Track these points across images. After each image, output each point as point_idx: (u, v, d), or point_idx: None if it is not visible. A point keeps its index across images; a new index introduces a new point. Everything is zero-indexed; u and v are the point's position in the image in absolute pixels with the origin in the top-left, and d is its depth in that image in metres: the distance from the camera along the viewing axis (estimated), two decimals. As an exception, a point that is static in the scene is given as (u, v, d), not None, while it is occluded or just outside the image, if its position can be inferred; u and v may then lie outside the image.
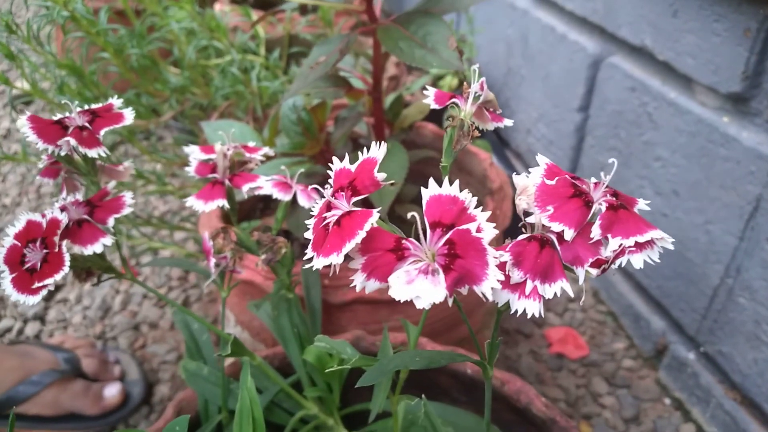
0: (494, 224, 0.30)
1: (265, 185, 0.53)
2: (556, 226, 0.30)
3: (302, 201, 0.54)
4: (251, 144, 0.57)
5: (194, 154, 0.56)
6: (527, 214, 0.31)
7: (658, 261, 0.30)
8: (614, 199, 0.31)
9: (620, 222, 0.30)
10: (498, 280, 0.29)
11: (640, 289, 1.07)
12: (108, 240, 0.46)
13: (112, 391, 0.92)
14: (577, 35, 1.14)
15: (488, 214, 0.30)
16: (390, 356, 0.37)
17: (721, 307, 0.89)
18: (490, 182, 0.88)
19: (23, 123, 0.44)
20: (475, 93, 0.44)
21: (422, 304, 0.28)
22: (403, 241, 0.30)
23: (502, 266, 0.29)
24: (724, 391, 0.91)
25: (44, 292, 0.43)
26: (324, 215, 0.32)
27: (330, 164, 0.80)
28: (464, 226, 0.29)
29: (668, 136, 0.94)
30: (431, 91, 0.45)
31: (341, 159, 0.76)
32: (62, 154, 0.45)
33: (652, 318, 1.04)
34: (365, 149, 0.34)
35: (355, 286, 0.30)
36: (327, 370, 0.42)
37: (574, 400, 1.01)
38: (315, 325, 0.63)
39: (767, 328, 0.81)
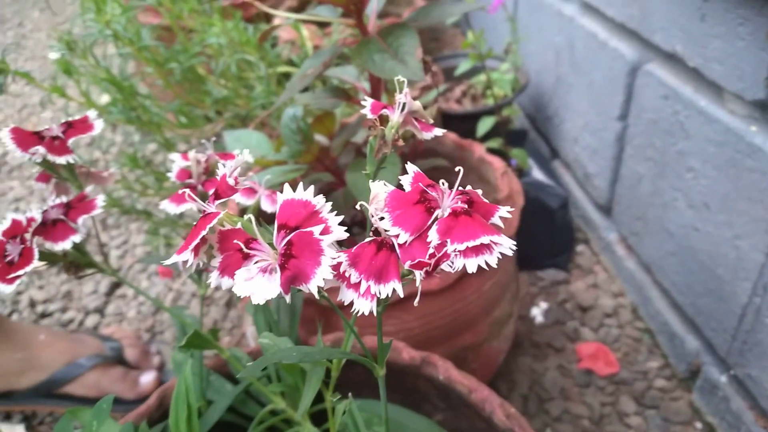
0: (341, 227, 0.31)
1: (231, 190, 0.56)
2: (394, 230, 0.31)
3: (265, 205, 0.57)
4: (242, 153, 0.61)
5: (177, 161, 0.60)
6: (381, 219, 0.32)
7: (495, 266, 0.30)
8: (465, 206, 0.32)
9: (458, 227, 0.31)
10: (348, 282, 0.31)
11: (675, 306, 1.02)
12: (77, 237, 0.51)
13: (147, 379, 1.01)
14: (617, 42, 1.11)
15: (340, 218, 0.32)
16: (273, 352, 0.39)
17: (749, 327, 0.84)
18: (499, 191, 0.87)
19: (5, 134, 0.50)
20: (402, 103, 0.45)
21: (256, 299, 0.30)
22: (252, 243, 0.32)
23: (336, 267, 0.31)
24: (755, 417, 0.85)
25: (18, 282, 0.49)
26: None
27: (328, 172, 0.82)
28: (307, 229, 0.31)
29: (699, 146, 0.90)
30: (368, 102, 0.47)
31: (343, 167, 0.79)
32: (37, 161, 0.50)
33: (686, 337, 0.99)
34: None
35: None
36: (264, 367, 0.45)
37: (599, 418, 0.98)
38: (293, 323, 0.66)
39: (790, 351, 0.75)
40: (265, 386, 0.60)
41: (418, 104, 0.46)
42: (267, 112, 0.71)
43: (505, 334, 0.90)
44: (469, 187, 0.36)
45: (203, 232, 0.31)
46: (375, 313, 0.31)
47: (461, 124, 1.39)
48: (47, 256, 0.51)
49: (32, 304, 1.30)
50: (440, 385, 0.64)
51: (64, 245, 0.51)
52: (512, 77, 1.39)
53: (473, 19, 2.17)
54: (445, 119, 1.41)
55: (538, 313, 1.17)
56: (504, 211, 0.34)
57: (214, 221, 0.31)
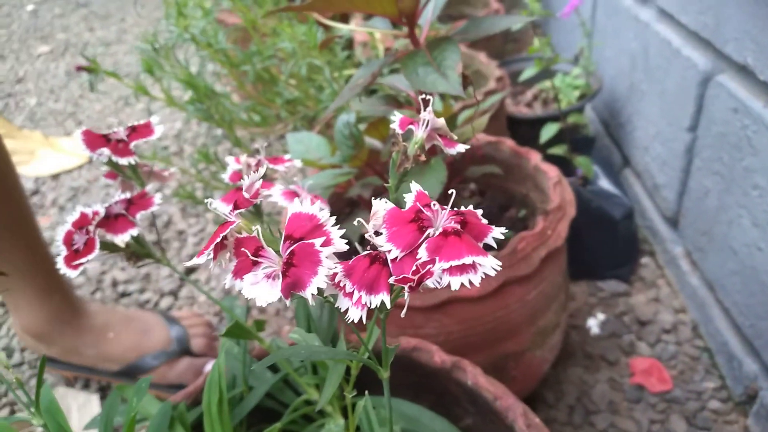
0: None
1: (275, 193, 0.60)
2: (387, 246, 0.34)
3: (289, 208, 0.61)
4: (289, 157, 0.65)
5: (230, 164, 0.65)
6: (378, 234, 0.35)
7: (477, 285, 0.32)
8: (456, 227, 0.34)
9: (446, 246, 0.33)
10: (344, 291, 0.34)
11: (736, 326, 0.98)
12: (135, 231, 0.57)
13: (210, 368, 1.07)
14: (690, 50, 1.08)
15: (341, 231, 0.35)
16: (290, 347, 0.42)
17: (809, 354, 0.80)
18: (549, 202, 0.87)
19: (78, 135, 0.56)
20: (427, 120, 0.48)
21: (259, 302, 0.33)
22: (261, 251, 0.35)
23: (332, 277, 0.34)
24: (811, 449, 0.82)
25: (81, 268, 0.55)
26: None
27: (377, 175, 0.85)
28: (310, 240, 0.34)
29: (766, 163, 0.87)
30: (398, 117, 0.50)
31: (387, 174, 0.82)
32: (103, 161, 0.56)
33: (745, 359, 0.95)
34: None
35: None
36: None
37: (646, 434, 0.96)
38: (332, 320, 0.69)
39: None
40: (301, 377, 0.64)
41: (441, 121, 0.48)
42: (324, 117, 0.75)
43: (549, 344, 0.91)
44: (468, 208, 0.38)
45: (218, 239, 0.35)
46: (356, 320, 0.33)
47: (529, 128, 1.38)
48: (108, 246, 0.57)
49: (114, 283, 1.40)
50: (469, 390, 0.66)
51: (124, 238, 0.56)
52: (583, 83, 1.37)
53: (551, 23, 2.14)
54: (513, 123, 1.41)
55: (594, 324, 1.15)
56: (497, 232, 0.36)
57: (228, 230, 0.35)
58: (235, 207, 0.38)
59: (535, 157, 0.97)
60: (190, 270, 1.42)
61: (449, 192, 0.38)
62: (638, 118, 1.33)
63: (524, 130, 1.39)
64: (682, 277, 1.16)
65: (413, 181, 0.80)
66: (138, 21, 2.81)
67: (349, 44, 1.55)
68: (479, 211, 0.37)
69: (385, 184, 0.81)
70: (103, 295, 1.38)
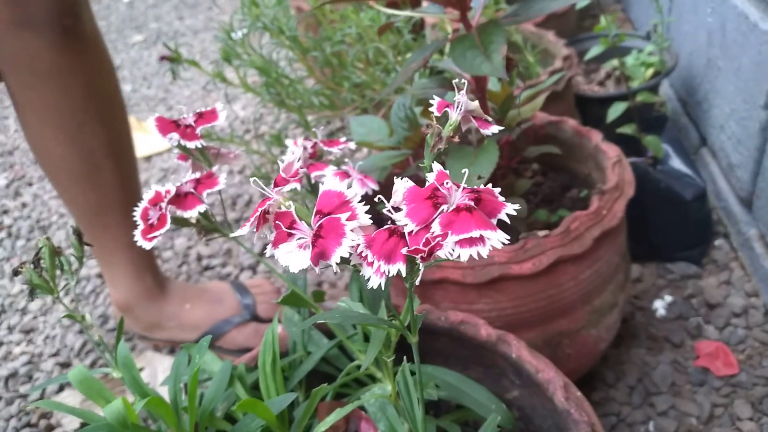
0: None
1: (327, 174, 0.65)
2: (404, 221, 0.37)
3: (355, 188, 0.65)
4: (344, 139, 0.69)
5: (290, 146, 0.70)
6: (397, 210, 0.38)
7: (485, 257, 0.35)
8: (469, 203, 0.37)
9: (458, 221, 0.36)
10: (367, 260, 0.38)
11: (808, 311, 0.95)
12: (202, 207, 0.63)
13: None
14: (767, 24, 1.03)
15: (366, 207, 0.39)
16: (326, 312, 0.46)
17: None
18: (606, 181, 0.87)
19: (151, 121, 0.62)
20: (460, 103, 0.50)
21: (292, 269, 0.38)
22: (295, 224, 0.40)
23: (355, 248, 0.38)
24: None
25: (155, 240, 0.62)
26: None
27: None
28: (337, 215, 0.38)
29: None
30: (436, 101, 0.53)
31: (446, 153, 0.85)
32: (173, 144, 0.62)
33: (817, 345, 0.92)
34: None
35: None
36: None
37: (708, 418, 0.95)
38: (384, 291, 0.74)
39: None
40: (353, 344, 0.69)
41: (475, 104, 0.51)
42: (384, 99, 0.79)
43: (606, 324, 0.91)
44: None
45: (257, 213, 0.39)
46: (376, 286, 0.37)
47: (600, 107, 1.36)
48: (179, 221, 0.64)
49: (199, 258, 1.51)
50: (513, 363, 0.69)
51: (192, 213, 0.63)
52: (657, 59, 1.33)
53: (634, -4, 2.07)
54: (582, 102, 1.39)
55: (660, 305, 1.14)
56: (510, 208, 0.38)
57: (266, 205, 0.39)
58: (276, 185, 0.43)
59: (596, 137, 0.97)
60: (266, 246, 1.51)
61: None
62: (714, 95, 1.29)
63: (593, 109, 1.37)
64: (755, 260, 1.12)
65: (468, 163, 0.83)
66: (224, 9, 2.93)
67: (420, 26, 1.57)
68: (497, 189, 0.40)
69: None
70: (189, 269, 1.49)
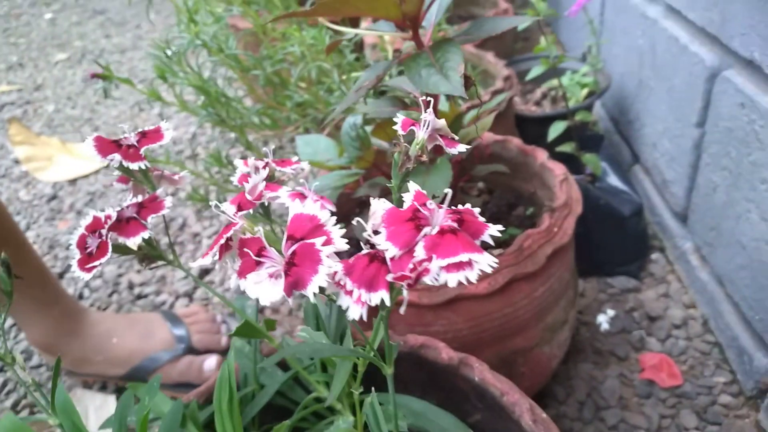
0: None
1: (282, 195, 0.62)
2: (385, 245, 0.35)
3: (292, 209, 0.62)
4: (297, 159, 0.66)
5: (239, 166, 0.67)
6: (377, 233, 0.36)
7: (474, 282, 0.33)
8: (453, 225, 0.35)
9: (443, 245, 0.34)
10: (345, 289, 0.35)
11: (746, 321, 0.98)
12: (146, 234, 0.58)
13: (209, 365, 1.10)
14: (697, 47, 1.08)
15: (342, 231, 0.36)
16: (294, 345, 0.43)
17: (818, 348, 0.81)
18: (555, 199, 0.88)
19: (89, 142, 0.58)
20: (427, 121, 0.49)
21: (263, 301, 0.35)
22: (264, 251, 0.37)
23: (332, 276, 0.35)
24: (822, 443, 0.82)
25: (95, 271, 0.57)
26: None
27: (384, 176, 0.86)
28: (310, 240, 0.35)
29: (773, 157, 0.87)
30: (400, 119, 0.51)
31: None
32: (115, 166, 0.58)
33: (756, 354, 0.95)
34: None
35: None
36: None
37: (657, 429, 0.96)
38: (341, 317, 0.71)
39: None
40: (311, 375, 0.66)
41: (442, 122, 0.50)
42: (329, 119, 0.77)
43: (558, 341, 0.91)
44: (467, 205, 0.39)
45: (222, 241, 0.36)
46: (357, 317, 0.35)
47: (538, 127, 1.38)
48: (121, 249, 0.59)
49: (130, 286, 1.43)
50: (476, 386, 0.67)
51: (135, 240, 0.58)
52: (592, 80, 1.37)
53: (560, 21, 2.14)
54: (521, 122, 1.41)
55: (603, 320, 1.16)
56: (494, 229, 0.37)
57: (231, 231, 0.36)
58: (239, 209, 0.39)
59: (541, 155, 0.98)
60: (206, 272, 1.45)
61: (452, 191, 0.39)
62: (647, 114, 1.34)
63: (532, 129, 1.40)
64: (691, 272, 1.16)
65: (421, 181, 0.82)
66: (153, 27, 2.85)
67: (359, 46, 1.56)
68: (477, 210, 0.38)
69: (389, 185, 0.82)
70: (120, 298, 1.41)
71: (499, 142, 1.02)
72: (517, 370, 0.88)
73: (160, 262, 0.64)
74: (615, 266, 1.25)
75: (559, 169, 0.93)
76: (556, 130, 1.20)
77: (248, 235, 0.38)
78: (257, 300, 0.36)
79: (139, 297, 1.41)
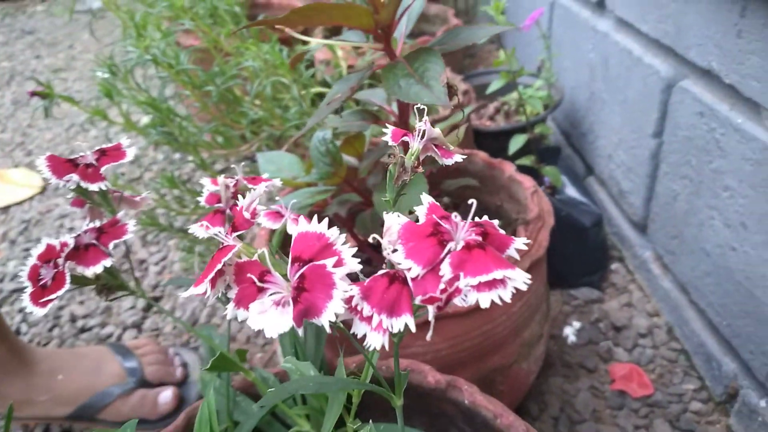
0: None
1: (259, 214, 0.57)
2: (407, 264, 0.31)
3: (291, 228, 0.58)
4: (267, 176, 0.62)
5: (207, 185, 0.62)
6: (394, 251, 0.33)
7: (509, 301, 0.30)
8: (478, 239, 0.32)
9: (471, 261, 0.31)
10: (362, 315, 0.31)
11: (712, 327, 0.99)
12: (108, 262, 0.53)
13: (165, 398, 1.03)
14: (651, 58, 1.10)
15: (353, 250, 0.33)
16: (290, 383, 0.39)
17: (790, 352, 0.81)
18: (528, 211, 0.87)
19: (42, 162, 0.52)
20: (422, 130, 0.46)
21: (270, 333, 0.31)
22: (267, 275, 0.33)
23: (348, 300, 0.31)
24: (797, 445, 0.82)
25: (50, 305, 0.51)
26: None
27: (356, 192, 0.83)
28: (320, 261, 0.32)
29: (735, 164, 0.88)
30: (390, 130, 0.48)
31: (371, 188, 0.80)
32: (71, 187, 0.52)
33: (723, 359, 0.96)
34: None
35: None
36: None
37: (632, 441, 0.96)
38: (319, 345, 0.67)
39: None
40: (290, 408, 0.61)
41: (437, 131, 0.47)
42: (298, 134, 0.73)
43: (534, 356, 0.89)
44: (485, 217, 0.36)
45: (219, 266, 0.32)
46: (379, 347, 0.31)
47: (494, 141, 1.38)
48: (79, 280, 0.53)
49: (73, 319, 1.34)
50: (466, 410, 0.64)
51: (96, 269, 0.52)
52: (545, 94, 1.38)
53: (509, 36, 2.17)
54: (478, 136, 1.41)
55: (570, 332, 1.15)
56: (520, 243, 0.34)
57: (229, 255, 0.32)
58: (234, 229, 0.35)
59: (509, 168, 0.97)
60: (157, 299, 1.37)
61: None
62: (600, 127, 1.35)
63: (489, 143, 1.39)
64: (653, 280, 1.17)
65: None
66: (88, 47, 2.73)
67: (311, 63, 1.53)
68: (496, 222, 0.35)
69: (359, 201, 0.79)
70: (62, 332, 1.31)
71: (465, 155, 1.00)
72: (497, 388, 0.85)
73: (120, 293, 0.59)
74: (578, 277, 1.25)
75: (528, 181, 0.92)
76: (516, 143, 1.20)
77: (245, 259, 0.34)
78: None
79: (83, 330, 1.31)
